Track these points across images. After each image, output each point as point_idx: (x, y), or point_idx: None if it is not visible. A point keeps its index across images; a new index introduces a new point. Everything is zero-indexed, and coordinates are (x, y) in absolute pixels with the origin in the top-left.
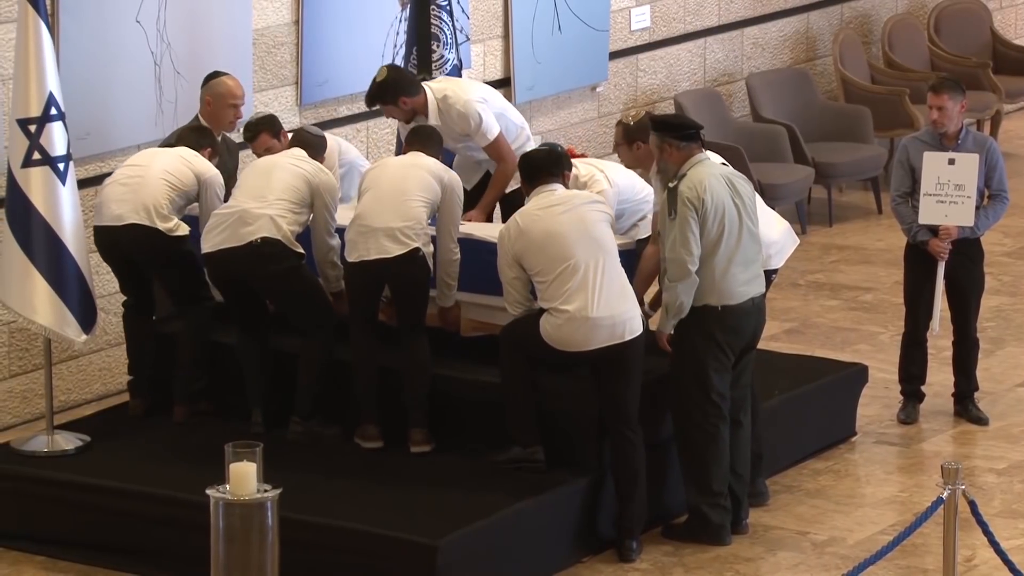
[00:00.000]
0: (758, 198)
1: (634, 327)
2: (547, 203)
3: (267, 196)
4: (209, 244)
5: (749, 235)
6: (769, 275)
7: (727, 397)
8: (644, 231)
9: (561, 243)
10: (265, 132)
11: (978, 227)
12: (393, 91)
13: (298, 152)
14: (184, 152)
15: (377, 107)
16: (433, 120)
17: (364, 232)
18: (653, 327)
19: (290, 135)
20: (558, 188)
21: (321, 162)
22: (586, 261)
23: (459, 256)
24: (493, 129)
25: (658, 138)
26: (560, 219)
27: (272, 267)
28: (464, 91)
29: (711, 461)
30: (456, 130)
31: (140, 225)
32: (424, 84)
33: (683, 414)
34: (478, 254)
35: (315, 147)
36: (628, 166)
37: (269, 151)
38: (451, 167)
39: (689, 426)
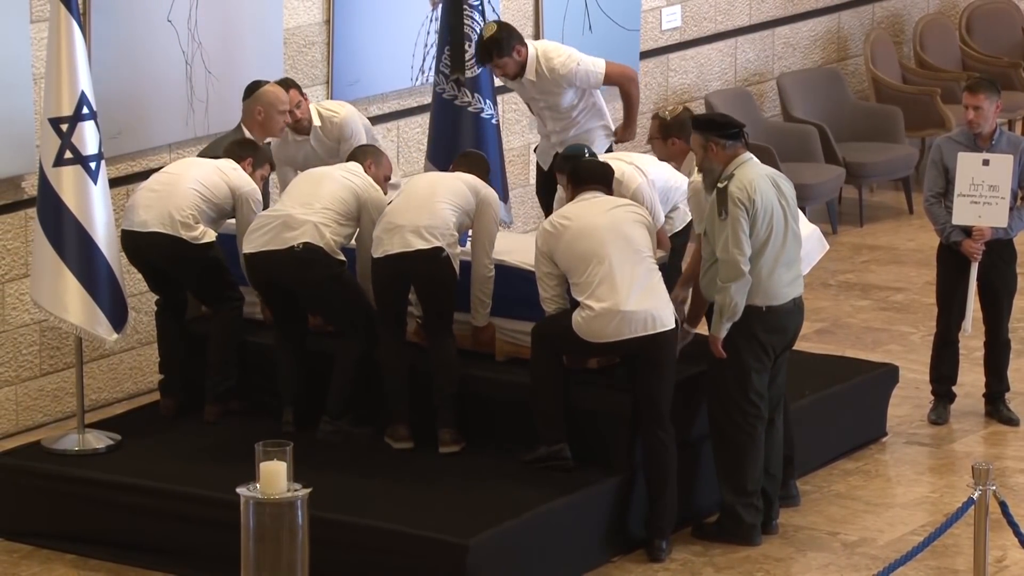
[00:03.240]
0: None
1: (665, 321)
2: (585, 204)
3: (314, 204)
4: (251, 246)
5: (793, 236)
6: None
7: (765, 397)
8: (678, 223)
9: (593, 240)
10: (294, 88)
11: (1011, 228)
12: (509, 42)
13: (352, 165)
14: (223, 164)
15: (479, 70)
16: (530, 75)
17: (389, 229)
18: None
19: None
20: (600, 195)
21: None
22: (616, 258)
23: (493, 274)
24: (598, 62)
25: (702, 137)
26: (594, 219)
27: (312, 274)
28: (561, 47)
29: (747, 461)
30: (551, 84)
31: (162, 234)
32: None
33: (722, 413)
34: (511, 280)
35: (373, 156)
36: (661, 159)
37: (300, 107)
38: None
39: (727, 425)
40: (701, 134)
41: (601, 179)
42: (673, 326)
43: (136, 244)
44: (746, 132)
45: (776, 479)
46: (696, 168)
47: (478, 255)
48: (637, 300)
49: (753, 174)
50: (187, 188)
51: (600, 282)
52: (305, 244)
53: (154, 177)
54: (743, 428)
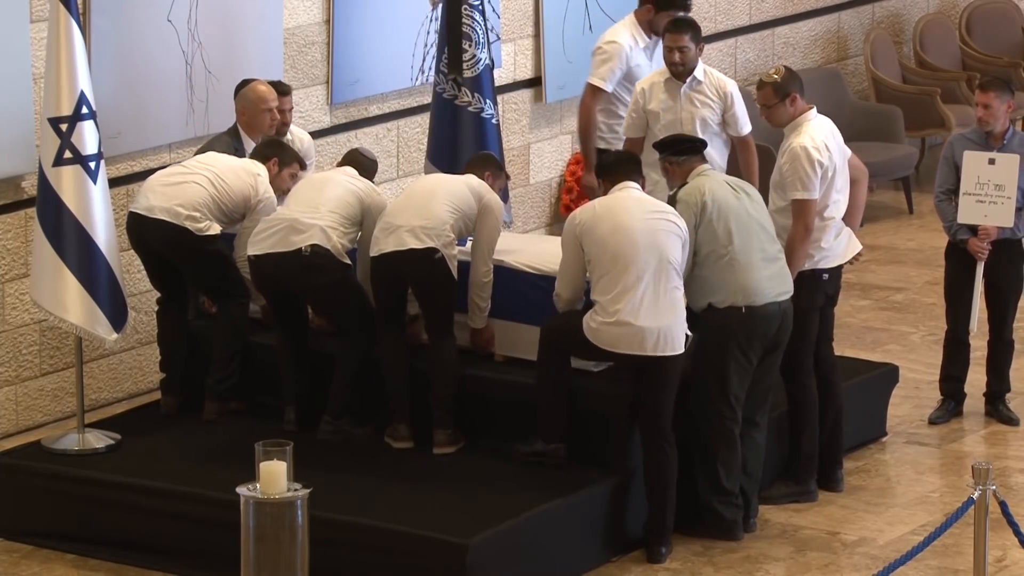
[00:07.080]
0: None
1: (676, 344)
2: (629, 200)
3: (320, 208)
4: (257, 248)
5: (763, 230)
6: (821, 273)
7: (743, 400)
8: None
9: (625, 241)
10: (286, 96)
11: (1018, 228)
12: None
13: (350, 170)
14: (250, 166)
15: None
16: (699, 74)
17: (385, 228)
18: None
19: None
20: (636, 190)
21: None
22: (643, 267)
23: (491, 279)
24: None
25: (661, 159)
26: (633, 220)
27: (319, 278)
28: None
29: (721, 462)
30: (708, 96)
31: (167, 222)
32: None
33: (700, 413)
34: (510, 281)
35: (368, 169)
36: (780, 125)
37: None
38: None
39: (704, 426)
40: (660, 157)
41: (635, 167)
42: (683, 350)
43: (139, 227)
44: (701, 145)
45: (755, 478)
46: (792, 132)
47: (476, 260)
48: (654, 316)
49: (705, 180)
50: (201, 185)
51: (622, 290)
52: (313, 247)
53: (175, 166)
54: (718, 429)
